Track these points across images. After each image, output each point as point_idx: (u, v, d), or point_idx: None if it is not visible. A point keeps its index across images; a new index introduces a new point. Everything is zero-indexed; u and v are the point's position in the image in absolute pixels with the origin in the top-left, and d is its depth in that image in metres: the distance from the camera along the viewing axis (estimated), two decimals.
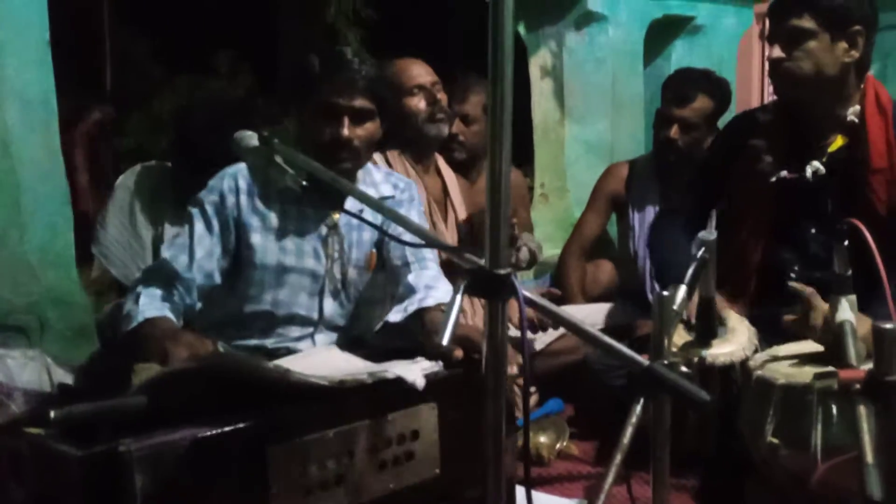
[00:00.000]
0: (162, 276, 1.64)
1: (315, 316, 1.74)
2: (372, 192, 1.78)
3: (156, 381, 1.13)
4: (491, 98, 0.95)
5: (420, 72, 2.24)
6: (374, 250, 1.79)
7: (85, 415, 1.05)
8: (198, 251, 1.66)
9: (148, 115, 6.04)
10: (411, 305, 1.60)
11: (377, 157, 2.21)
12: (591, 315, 2.50)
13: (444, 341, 0.98)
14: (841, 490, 1.31)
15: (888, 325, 1.17)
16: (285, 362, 1.34)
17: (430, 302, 1.59)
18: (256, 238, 1.70)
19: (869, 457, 1.19)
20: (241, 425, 1.06)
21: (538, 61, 3.62)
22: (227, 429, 1.05)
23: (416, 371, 1.31)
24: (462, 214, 2.28)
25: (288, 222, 1.72)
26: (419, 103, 2.22)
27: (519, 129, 1.03)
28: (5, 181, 2.13)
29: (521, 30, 3.56)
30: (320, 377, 1.21)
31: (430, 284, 1.65)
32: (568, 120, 3.62)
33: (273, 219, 1.71)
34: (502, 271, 0.98)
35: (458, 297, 1.00)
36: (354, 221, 1.76)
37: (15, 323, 2.11)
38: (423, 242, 1.43)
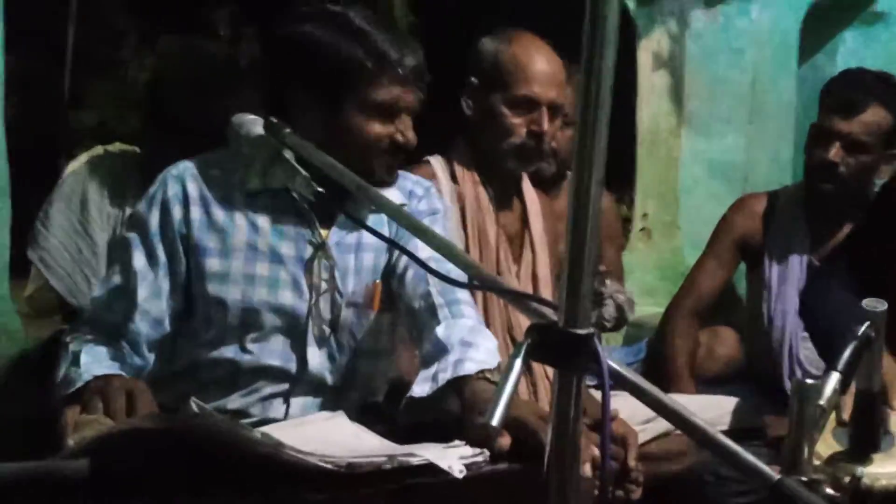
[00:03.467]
0: (100, 329, 1.67)
1: (293, 369, 1.74)
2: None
3: (104, 440, 1.15)
4: (582, 94, 0.96)
5: (543, 73, 2.10)
6: (378, 281, 1.79)
7: (13, 478, 1.07)
8: (140, 292, 1.69)
9: (117, 85, 6.25)
10: (443, 372, 1.59)
11: (437, 162, 2.19)
12: (705, 408, 2.46)
13: (495, 421, 0.98)
14: None
15: None
16: (275, 431, 1.36)
17: (469, 367, 1.58)
18: (214, 264, 1.72)
19: None
20: None
21: (651, 46, 3.65)
22: None
23: (451, 457, 1.31)
24: (543, 254, 2.24)
25: (258, 241, 1.73)
26: (519, 126, 2.10)
27: (617, 138, 1.04)
28: None
29: (631, 4, 3.60)
30: (321, 456, 1.22)
31: (468, 340, 1.64)
32: (686, 129, 3.62)
33: (237, 237, 1.72)
34: (581, 331, 0.98)
35: (517, 362, 1.00)
36: (350, 240, 1.78)
37: None
38: (466, 281, 1.44)
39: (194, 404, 1.12)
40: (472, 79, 2.17)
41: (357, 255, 1.78)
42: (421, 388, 1.60)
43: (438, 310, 1.70)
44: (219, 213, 1.73)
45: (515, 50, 2.13)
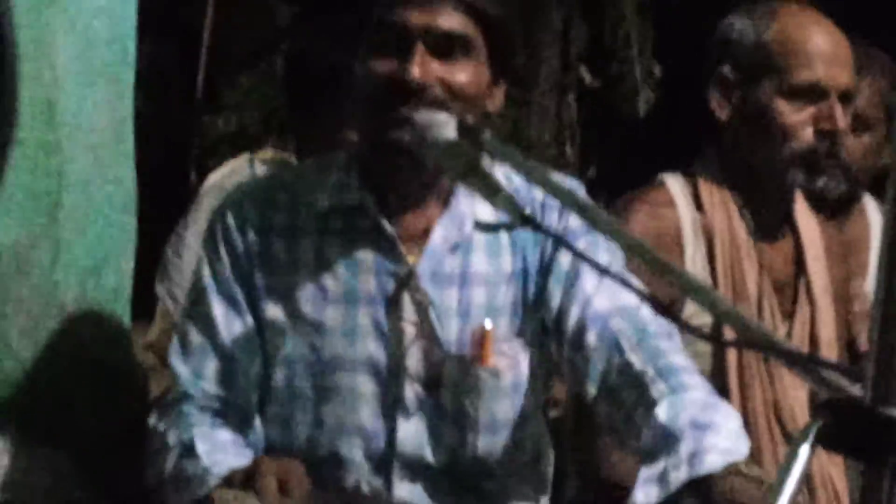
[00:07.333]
0: (201, 406, 1.76)
1: (382, 445, 1.75)
2: (486, 215, 1.80)
3: None
4: None
5: (828, 51, 2.09)
6: (486, 325, 1.76)
7: None
8: (237, 351, 1.77)
9: (262, 81, 6.53)
10: (675, 470, 1.57)
11: (675, 183, 2.19)
12: None
13: None
14: None
15: None
16: None
17: (713, 461, 1.56)
18: (273, 309, 1.76)
19: None
20: None
21: None
22: None
23: None
24: (826, 308, 2.17)
25: (326, 276, 1.75)
26: (803, 125, 2.09)
27: None
28: (44, 165, 2.30)
29: None
30: None
31: (702, 421, 1.61)
32: None
33: (300, 272, 1.75)
34: None
35: (804, 449, 1.00)
36: (451, 268, 1.77)
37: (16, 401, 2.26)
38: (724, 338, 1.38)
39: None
40: (725, 68, 2.16)
41: (462, 290, 1.77)
42: (646, 492, 1.59)
43: (650, 385, 1.68)
44: (279, 243, 1.77)
45: (785, 24, 2.12)
